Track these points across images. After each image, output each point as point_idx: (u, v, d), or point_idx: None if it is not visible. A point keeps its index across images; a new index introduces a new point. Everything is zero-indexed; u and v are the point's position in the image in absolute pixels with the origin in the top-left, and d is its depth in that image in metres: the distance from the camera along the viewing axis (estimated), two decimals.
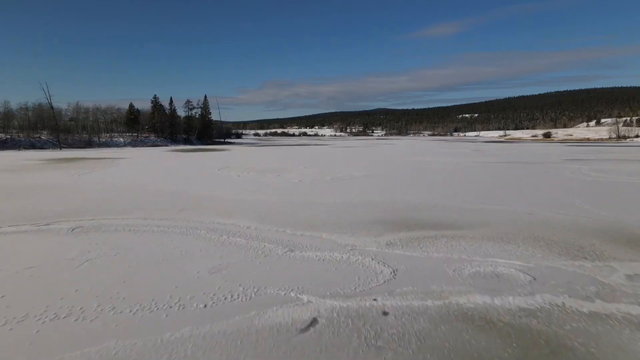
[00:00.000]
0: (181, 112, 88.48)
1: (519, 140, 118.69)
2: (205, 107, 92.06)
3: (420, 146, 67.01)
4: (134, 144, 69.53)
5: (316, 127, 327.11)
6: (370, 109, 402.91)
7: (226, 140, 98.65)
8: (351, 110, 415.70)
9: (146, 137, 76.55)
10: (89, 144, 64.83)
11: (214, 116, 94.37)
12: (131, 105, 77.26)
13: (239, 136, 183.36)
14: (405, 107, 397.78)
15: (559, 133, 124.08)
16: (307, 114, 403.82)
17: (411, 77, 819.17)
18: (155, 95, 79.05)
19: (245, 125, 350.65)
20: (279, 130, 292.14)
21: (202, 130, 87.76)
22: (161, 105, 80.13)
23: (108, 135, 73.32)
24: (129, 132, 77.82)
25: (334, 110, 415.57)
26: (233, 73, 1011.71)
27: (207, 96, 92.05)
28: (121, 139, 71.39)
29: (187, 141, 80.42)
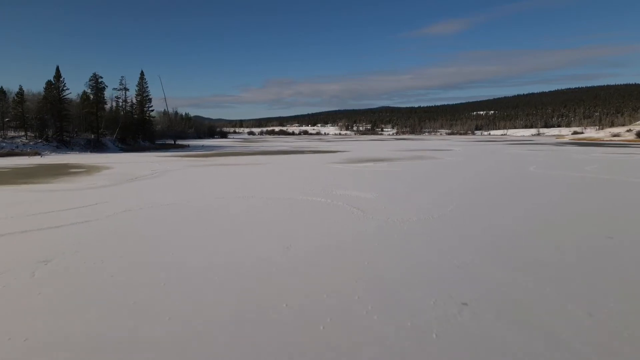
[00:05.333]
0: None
1: (597, 142, 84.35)
2: (140, 91, 58.22)
3: (533, 160, 32.96)
4: None
5: (319, 125, 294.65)
6: (374, 107, 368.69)
7: (177, 142, 64.79)
8: (355, 108, 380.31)
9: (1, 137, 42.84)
10: None
11: (166, 104, 60.63)
12: None
13: (224, 135, 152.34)
14: (409, 105, 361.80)
15: None
16: (310, 112, 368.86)
17: (414, 75, 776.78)
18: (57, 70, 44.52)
19: (242, 123, 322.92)
20: (277, 129, 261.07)
21: (130, 128, 53.97)
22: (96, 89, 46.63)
23: None
24: None
25: (337, 109, 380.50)
26: (235, 71, 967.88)
27: (144, 73, 58.11)
28: None
29: (95, 145, 46.62)
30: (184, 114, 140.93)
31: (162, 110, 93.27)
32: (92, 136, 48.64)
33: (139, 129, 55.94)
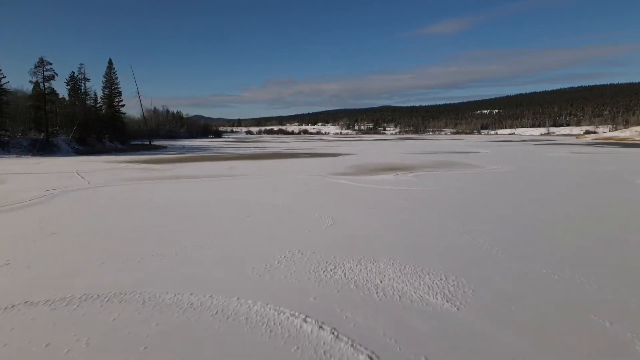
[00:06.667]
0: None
1: (630, 142, 75.54)
2: (109, 83, 49.43)
3: None
4: None
5: (319, 124, 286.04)
6: (374, 106, 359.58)
7: (153, 143, 55.98)
8: (355, 107, 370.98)
9: None
10: None
11: (131, 102, 52.72)
12: None
13: (218, 135, 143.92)
14: (410, 105, 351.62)
15: None
16: (310, 112, 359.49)
17: (414, 74, 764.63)
18: None
19: (241, 122, 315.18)
20: (276, 128, 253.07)
21: (93, 125, 45.17)
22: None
23: None
24: None
25: (337, 108, 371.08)
26: (235, 71, 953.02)
27: (112, 61, 49.28)
28: None
29: (43, 146, 37.86)
30: (175, 111, 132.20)
31: (152, 108, 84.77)
32: (42, 135, 39.88)
33: (105, 127, 47.17)
